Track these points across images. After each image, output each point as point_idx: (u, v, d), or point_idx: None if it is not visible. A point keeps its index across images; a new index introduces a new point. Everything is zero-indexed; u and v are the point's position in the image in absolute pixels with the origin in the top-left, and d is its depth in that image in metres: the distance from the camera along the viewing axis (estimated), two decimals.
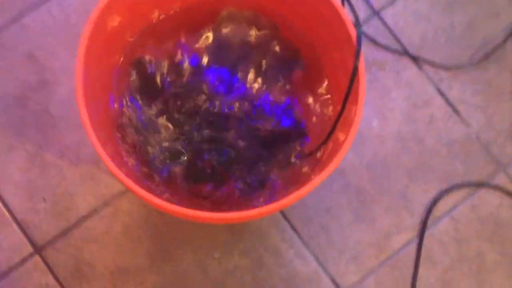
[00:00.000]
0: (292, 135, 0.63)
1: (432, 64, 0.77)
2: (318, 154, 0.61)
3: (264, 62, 0.65)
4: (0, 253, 0.67)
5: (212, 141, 0.63)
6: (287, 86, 0.65)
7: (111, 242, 0.68)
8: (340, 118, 0.55)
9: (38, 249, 0.68)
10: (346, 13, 0.55)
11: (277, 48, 0.65)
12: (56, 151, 0.71)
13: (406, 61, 0.77)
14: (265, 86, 0.65)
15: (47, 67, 0.74)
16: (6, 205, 0.69)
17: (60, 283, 0.67)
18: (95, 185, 0.70)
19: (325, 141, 0.57)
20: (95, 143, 0.50)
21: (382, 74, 0.77)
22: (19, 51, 0.74)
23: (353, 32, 0.54)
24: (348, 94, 0.53)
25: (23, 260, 0.67)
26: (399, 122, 0.75)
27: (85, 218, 0.69)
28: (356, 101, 0.53)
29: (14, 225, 0.68)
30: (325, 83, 0.64)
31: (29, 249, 0.68)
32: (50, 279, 0.67)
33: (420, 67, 0.77)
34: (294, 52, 0.65)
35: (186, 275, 0.68)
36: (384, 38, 0.77)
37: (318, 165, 0.60)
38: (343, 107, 0.54)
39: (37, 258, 0.67)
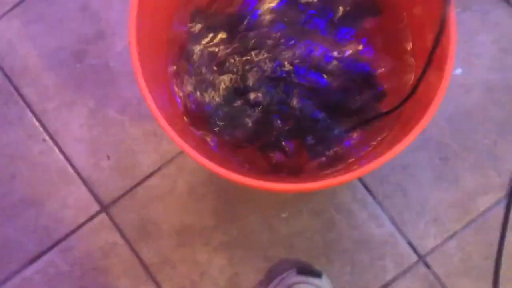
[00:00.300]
0: (367, 91, 0.58)
1: None
2: (398, 111, 0.55)
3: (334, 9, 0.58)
4: (67, 210, 0.67)
5: (281, 102, 0.58)
6: (362, 37, 0.58)
7: (176, 200, 0.67)
8: (424, 76, 0.48)
9: (104, 207, 0.67)
10: None
11: None
12: (117, 107, 0.69)
13: None
14: (337, 37, 0.58)
15: (103, 18, 0.71)
16: (70, 162, 0.68)
17: (127, 241, 0.66)
18: (158, 141, 0.68)
19: (406, 100, 0.51)
20: (151, 104, 0.47)
21: (467, 14, 0.68)
22: (72, 2, 0.71)
23: None
24: (435, 47, 0.46)
25: (90, 218, 0.67)
26: (486, 70, 0.67)
27: (149, 176, 0.67)
28: (445, 58, 0.46)
29: (80, 183, 0.68)
30: (408, 34, 0.57)
31: (95, 207, 0.67)
32: (117, 237, 0.66)
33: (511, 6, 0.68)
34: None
35: (253, 235, 0.65)
36: None
37: (398, 123, 0.55)
38: (429, 61, 0.47)
39: (103, 216, 0.67)
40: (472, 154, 0.65)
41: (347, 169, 0.53)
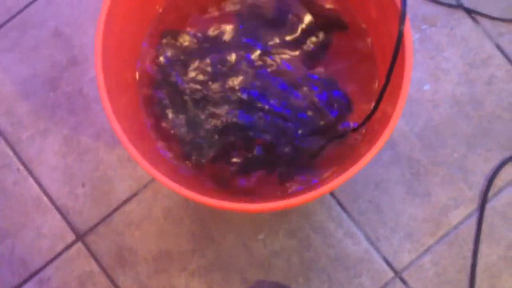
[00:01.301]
0: (334, 108, 0.59)
1: (490, 17, 0.69)
2: (364, 127, 0.56)
3: (300, 27, 0.60)
4: (43, 240, 0.67)
5: (251, 127, 0.59)
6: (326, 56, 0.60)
7: (152, 226, 0.67)
8: (385, 89, 0.49)
9: (80, 236, 0.67)
10: None
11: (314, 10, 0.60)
12: (92, 133, 0.69)
13: (460, 15, 0.70)
14: (301, 56, 0.60)
15: (76, 44, 0.71)
16: (45, 191, 0.68)
17: (104, 270, 0.66)
18: (133, 167, 0.68)
19: (370, 115, 0.52)
20: (117, 130, 0.47)
21: (433, 30, 0.70)
22: (45, 28, 0.72)
23: None
24: (392, 65, 0.47)
25: (66, 247, 0.67)
26: (454, 84, 0.68)
27: (125, 202, 0.67)
28: (402, 70, 0.47)
29: (55, 212, 0.67)
30: (369, 47, 0.59)
31: (71, 236, 0.67)
32: (94, 266, 0.66)
33: (476, 21, 0.69)
34: (332, 14, 0.60)
35: (230, 257, 0.66)
36: None
37: (364, 137, 0.56)
38: (388, 77, 0.48)
39: (79, 244, 0.66)
40: (442, 168, 0.66)
41: (317, 185, 0.53)
